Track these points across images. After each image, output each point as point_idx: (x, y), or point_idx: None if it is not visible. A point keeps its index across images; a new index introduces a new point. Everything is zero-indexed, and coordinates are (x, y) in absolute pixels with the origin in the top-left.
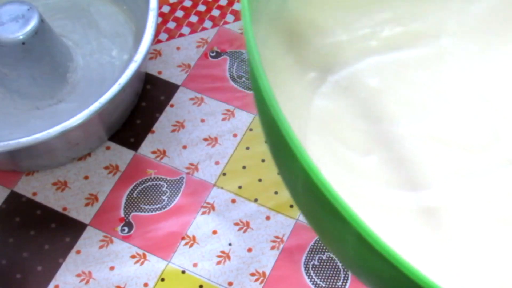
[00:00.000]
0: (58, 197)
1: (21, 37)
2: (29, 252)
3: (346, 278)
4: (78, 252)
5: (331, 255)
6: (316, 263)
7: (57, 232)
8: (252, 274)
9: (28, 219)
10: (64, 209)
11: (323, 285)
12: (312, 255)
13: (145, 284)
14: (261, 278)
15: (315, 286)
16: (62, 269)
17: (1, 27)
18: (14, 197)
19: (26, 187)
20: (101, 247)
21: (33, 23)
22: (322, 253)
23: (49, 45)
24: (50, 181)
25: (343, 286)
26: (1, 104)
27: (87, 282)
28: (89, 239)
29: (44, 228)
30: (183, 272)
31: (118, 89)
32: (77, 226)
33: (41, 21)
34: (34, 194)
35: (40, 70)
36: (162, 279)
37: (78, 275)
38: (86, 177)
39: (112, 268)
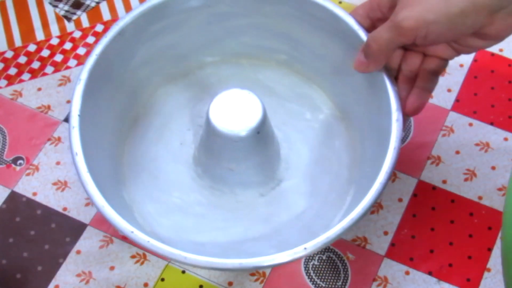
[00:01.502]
0: (58, 197)
1: (255, 125)
2: (29, 252)
3: (346, 278)
4: (78, 252)
5: (331, 255)
6: (316, 263)
7: (57, 232)
8: (252, 274)
9: (28, 219)
10: (64, 209)
11: (323, 285)
12: (312, 255)
13: (145, 284)
14: (261, 278)
15: (315, 286)
16: (62, 269)
17: (230, 122)
18: (14, 197)
19: (26, 187)
20: (101, 247)
21: (261, 108)
22: (322, 253)
23: (270, 125)
24: (50, 181)
25: (343, 286)
26: (220, 201)
27: (87, 282)
28: (89, 239)
29: (44, 228)
30: (183, 272)
31: (394, 155)
32: (77, 226)
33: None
34: (34, 194)
35: (266, 155)
36: (162, 279)
37: (78, 275)
38: None
39: (112, 268)
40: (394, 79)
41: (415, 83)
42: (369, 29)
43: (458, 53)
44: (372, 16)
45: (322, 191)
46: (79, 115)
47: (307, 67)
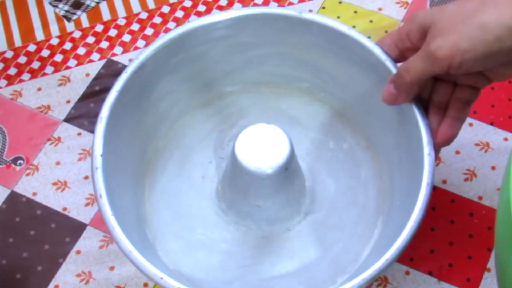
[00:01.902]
0: (58, 197)
1: (283, 163)
2: (29, 252)
3: None
4: (78, 252)
5: None
6: None
7: (57, 232)
8: None
9: (28, 219)
10: (64, 209)
11: None
12: None
13: (145, 284)
14: None
15: None
16: (62, 269)
17: (257, 159)
18: (14, 197)
19: (26, 187)
20: (101, 247)
21: (288, 144)
22: None
23: (296, 159)
24: (50, 181)
25: None
26: (246, 237)
27: (87, 282)
28: (89, 239)
29: (44, 228)
30: None
31: (428, 191)
32: (77, 226)
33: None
34: (34, 194)
35: (293, 190)
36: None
37: (78, 275)
38: (86, 177)
39: (112, 268)
40: (424, 110)
41: (447, 112)
42: (397, 59)
43: (490, 81)
44: (400, 46)
45: (349, 223)
46: (101, 155)
47: (330, 95)
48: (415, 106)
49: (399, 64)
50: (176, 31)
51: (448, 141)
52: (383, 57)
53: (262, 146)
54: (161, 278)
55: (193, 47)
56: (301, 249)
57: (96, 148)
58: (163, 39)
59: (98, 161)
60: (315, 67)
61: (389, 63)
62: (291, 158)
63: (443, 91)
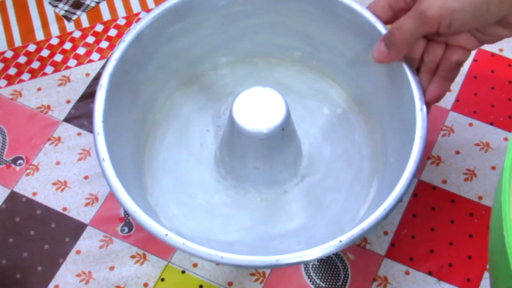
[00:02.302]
0: (58, 197)
1: (280, 122)
2: (29, 252)
3: (346, 278)
4: (78, 252)
5: (331, 255)
6: (316, 263)
7: (57, 232)
8: (252, 274)
9: (28, 219)
10: (64, 209)
11: (323, 285)
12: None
13: (145, 284)
14: (261, 278)
15: (315, 286)
16: (62, 269)
17: (254, 120)
18: (14, 197)
19: (26, 187)
20: (101, 247)
21: (284, 105)
22: None
23: (292, 122)
24: (50, 181)
25: (343, 286)
26: (245, 200)
27: (87, 282)
28: (89, 239)
29: (44, 228)
30: (183, 272)
31: (422, 144)
32: (77, 226)
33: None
34: (34, 194)
35: (290, 152)
36: (162, 279)
37: (78, 275)
38: (86, 177)
39: (112, 268)
40: (416, 70)
41: (437, 72)
42: (390, 20)
43: (481, 43)
44: (394, 7)
45: (345, 184)
46: (102, 121)
47: (322, 62)
48: (406, 64)
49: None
50: (171, 1)
51: (437, 99)
52: (372, 19)
53: (258, 108)
54: (166, 235)
55: (188, 17)
56: (299, 210)
57: (97, 115)
58: (158, 9)
59: (99, 126)
60: (307, 35)
61: (379, 25)
62: (288, 119)
63: (435, 52)
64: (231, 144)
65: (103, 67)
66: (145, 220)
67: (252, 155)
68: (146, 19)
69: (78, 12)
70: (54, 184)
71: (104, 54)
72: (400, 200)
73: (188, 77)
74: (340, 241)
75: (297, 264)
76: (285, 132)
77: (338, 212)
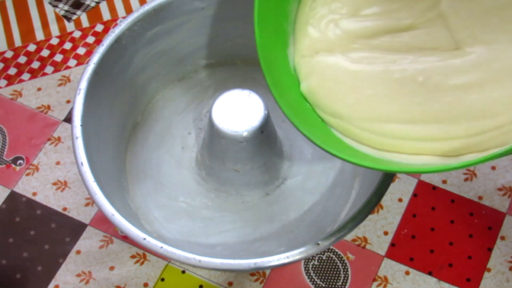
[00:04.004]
0: (58, 197)
1: (258, 125)
2: (29, 252)
3: (346, 278)
4: (78, 252)
5: (331, 255)
6: (316, 263)
7: (57, 232)
8: (252, 274)
9: (28, 219)
10: (64, 209)
11: (323, 285)
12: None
13: (145, 284)
14: (261, 278)
15: (315, 286)
16: (62, 269)
17: (233, 122)
18: (14, 197)
19: (26, 187)
20: (101, 247)
21: (263, 108)
22: (322, 253)
23: (272, 124)
24: (50, 181)
25: (343, 286)
26: (226, 203)
27: (87, 282)
28: (89, 239)
29: (44, 228)
30: (183, 272)
31: None
32: (77, 226)
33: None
34: (34, 194)
35: (271, 154)
36: (162, 279)
37: (78, 275)
38: None
39: (112, 268)
40: None
41: None
42: None
43: None
44: None
45: (327, 186)
46: (81, 125)
47: None
48: None
49: None
50: (150, 4)
51: None
52: None
53: (238, 111)
54: (144, 239)
55: (167, 20)
56: (281, 212)
57: (76, 119)
58: (137, 12)
59: (78, 130)
60: None
61: None
62: (267, 121)
63: None
64: (211, 147)
65: None
66: (123, 224)
67: (232, 158)
68: (125, 22)
69: (78, 12)
70: (54, 184)
71: None
72: (378, 201)
73: (170, 79)
74: (318, 243)
75: (276, 267)
76: (264, 134)
77: (320, 214)
